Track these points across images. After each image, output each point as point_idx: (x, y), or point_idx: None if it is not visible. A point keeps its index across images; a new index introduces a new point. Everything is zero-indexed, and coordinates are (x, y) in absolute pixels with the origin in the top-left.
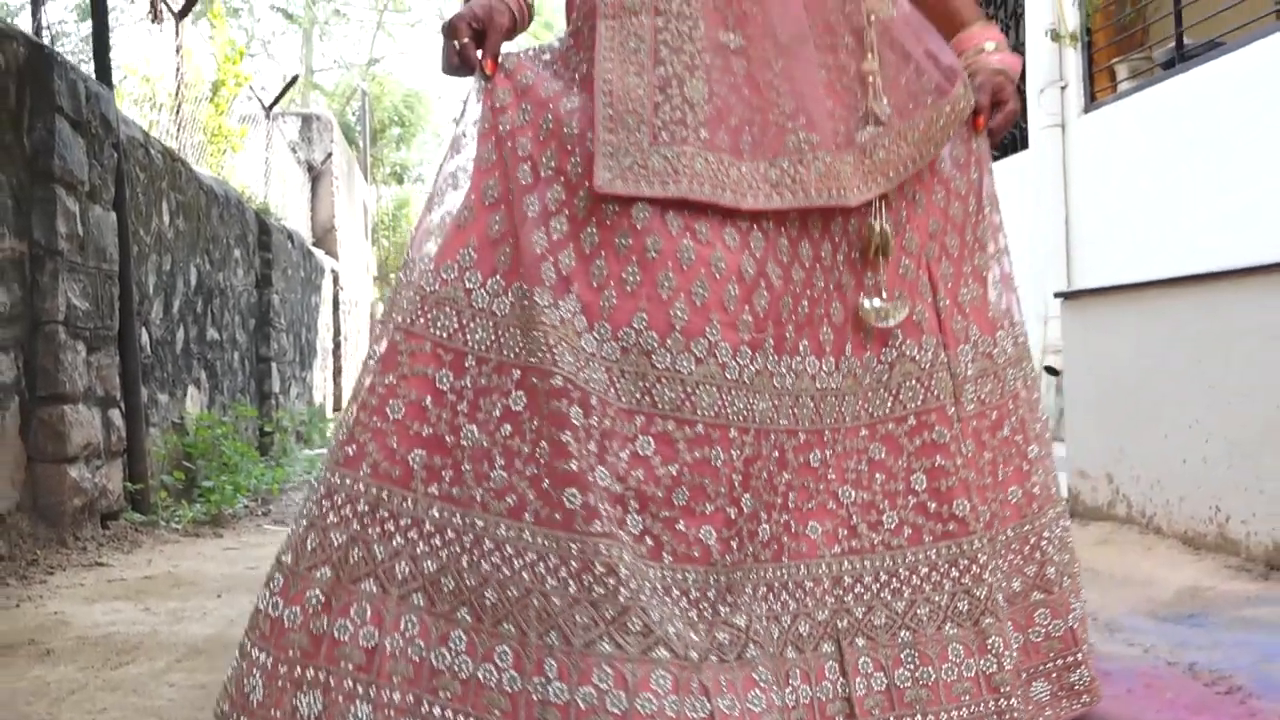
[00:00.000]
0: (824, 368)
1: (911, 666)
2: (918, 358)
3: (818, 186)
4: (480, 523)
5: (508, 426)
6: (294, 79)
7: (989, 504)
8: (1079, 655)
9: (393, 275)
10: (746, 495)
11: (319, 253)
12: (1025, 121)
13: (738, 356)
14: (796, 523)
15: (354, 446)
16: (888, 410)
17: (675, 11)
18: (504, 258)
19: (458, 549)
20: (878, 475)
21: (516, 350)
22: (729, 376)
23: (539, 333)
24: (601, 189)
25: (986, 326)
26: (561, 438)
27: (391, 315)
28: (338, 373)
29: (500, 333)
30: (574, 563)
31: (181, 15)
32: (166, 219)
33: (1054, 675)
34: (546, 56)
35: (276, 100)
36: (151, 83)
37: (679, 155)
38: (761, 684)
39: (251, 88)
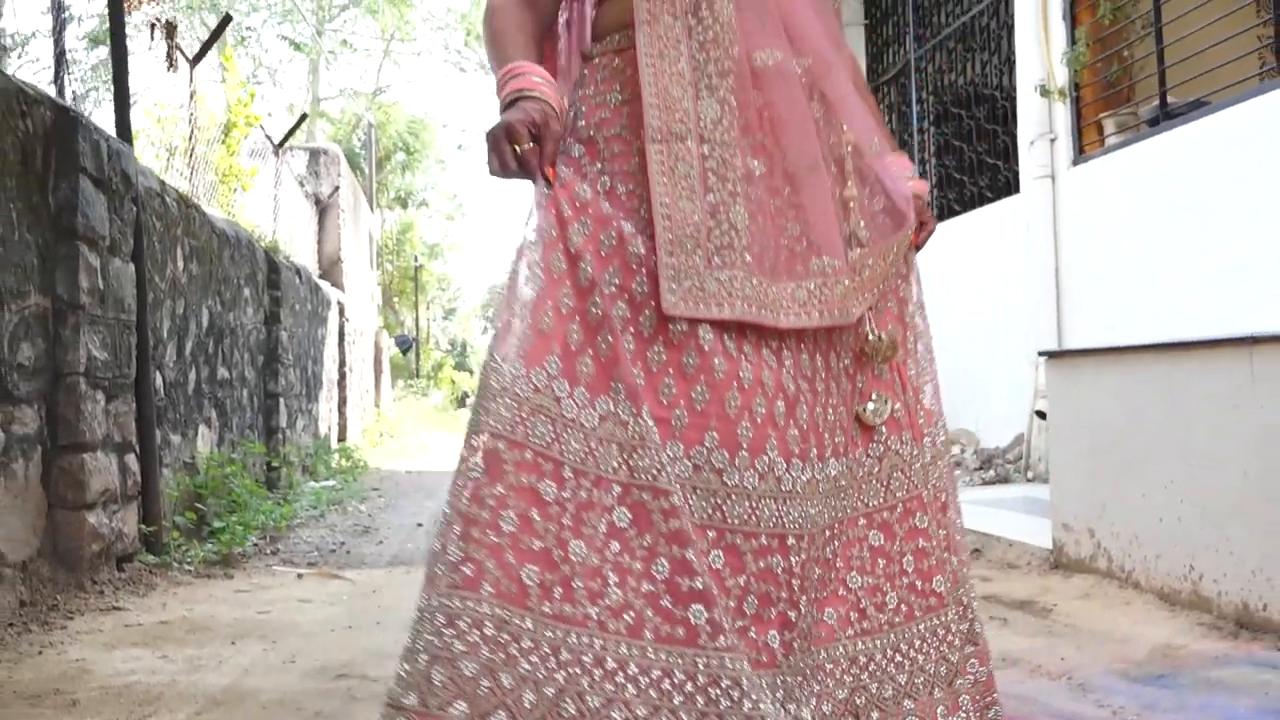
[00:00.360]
0: (839, 468)
1: None
2: (900, 451)
3: (840, 306)
4: (599, 642)
5: (616, 544)
6: (303, 117)
7: (948, 576)
8: (995, 695)
9: (395, 299)
10: (803, 598)
11: (325, 285)
12: (1017, 167)
13: (791, 469)
14: (816, 611)
15: (471, 566)
16: (881, 500)
17: (718, 140)
18: (585, 369)
19: (577, 670)
20: (879, 560)
21: (614, 465)
22: (783, 488)
23: (642, 451)
24: (669, 310)
25: (931, 421)
26: (686, 555)
27: (486, 420)
28: (342, 403)
29: (593, 445)
30: (701, 677)
31: (195, 62)
32: (180, 264)
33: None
34: (564, 164)
35: (286, 138)
36: (165, 124)
37: (731, 278)
38: None
39: (262, 127)
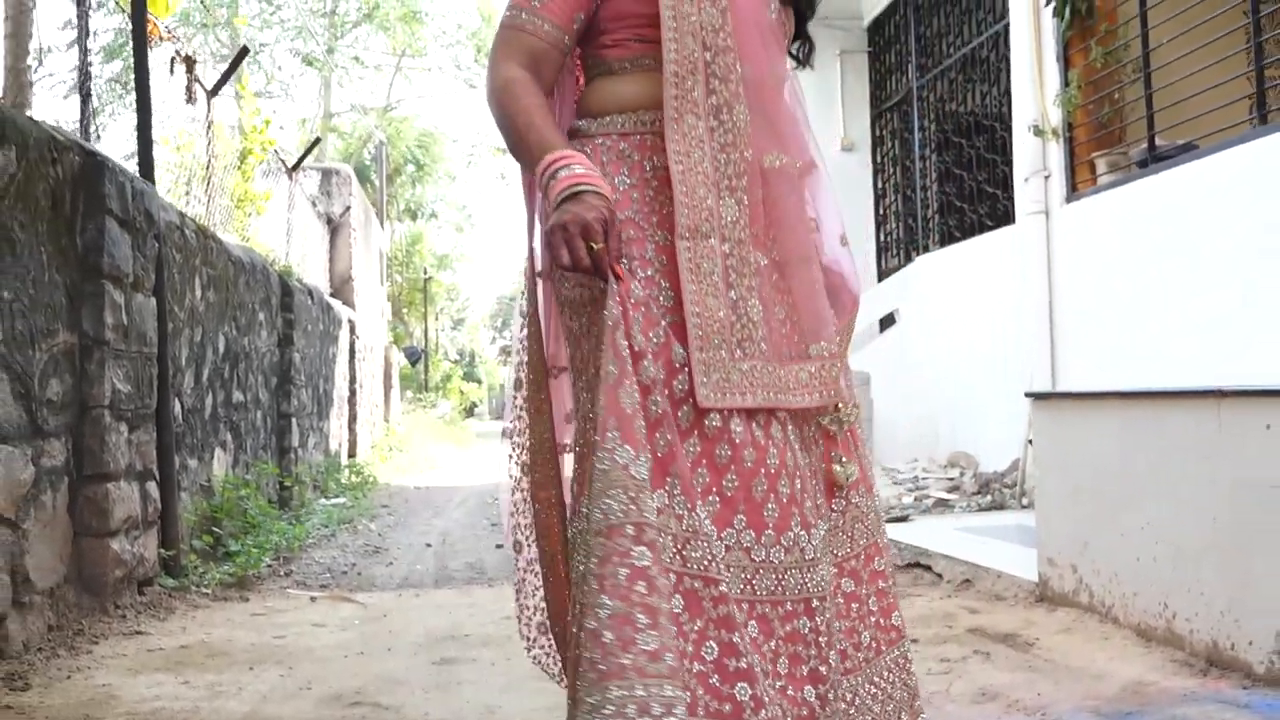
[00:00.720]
0: (825, 526)
1: None
2: (859, 504)
3: (834, 386)
4: None
5: (673, 628)
6: (316, 141)
7: (900, 610)
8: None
9: (404, 310)
10: (830, 652)
11: (337, 304)
12: (1011, 203)
13: (811, 538)
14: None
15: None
16: (848, 550)
17: (736, 238)
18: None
19: None
20: (853, 605)
21: (670, 556)
22: (806, 557)
23: (695, 543)
24: (703, 403)
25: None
26: (733, 639)
27: (612, 513)
28: (353, 419)
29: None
30: None
31: (213, 93)
32: (199, 293)
33: None
34: None
35: (299, 162)
36: (182, 151)
37: (752, 368)
38: None
39: (277, 151)
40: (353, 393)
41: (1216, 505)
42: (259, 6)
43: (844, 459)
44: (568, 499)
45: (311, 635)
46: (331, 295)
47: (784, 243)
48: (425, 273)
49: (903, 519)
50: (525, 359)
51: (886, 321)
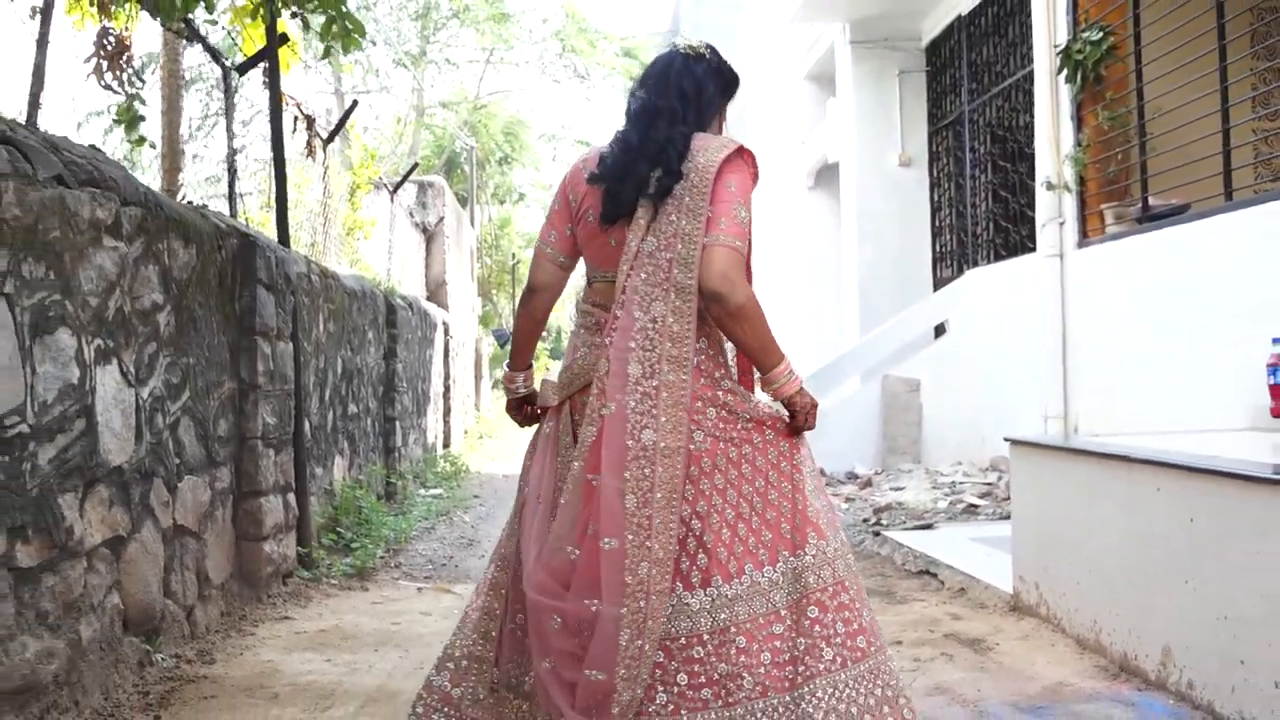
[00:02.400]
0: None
1: None
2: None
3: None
4: None
5: None
6: (413, 167)
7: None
8: None
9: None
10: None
11: (432, 308)
12: (1034, 243)
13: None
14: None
15: None
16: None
17: None
18: None
19: None
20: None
21: None
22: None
23: None
24: None
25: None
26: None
27: None
28: (447, 413)
29: None
30: None
31: (327, 142)
32: (321, 326)
33: None
34: None
35: (398, 186)
36: (302, 189)
37: None
38: None
39: (381, 179)
40: (447, 389)
41: (1131, 548)
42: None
43: None
44: None
45: (420, 623)
46: (427, 299)
47: None
48: (513, 256)
49: (927, 527)
50: None
51: (939, 330)
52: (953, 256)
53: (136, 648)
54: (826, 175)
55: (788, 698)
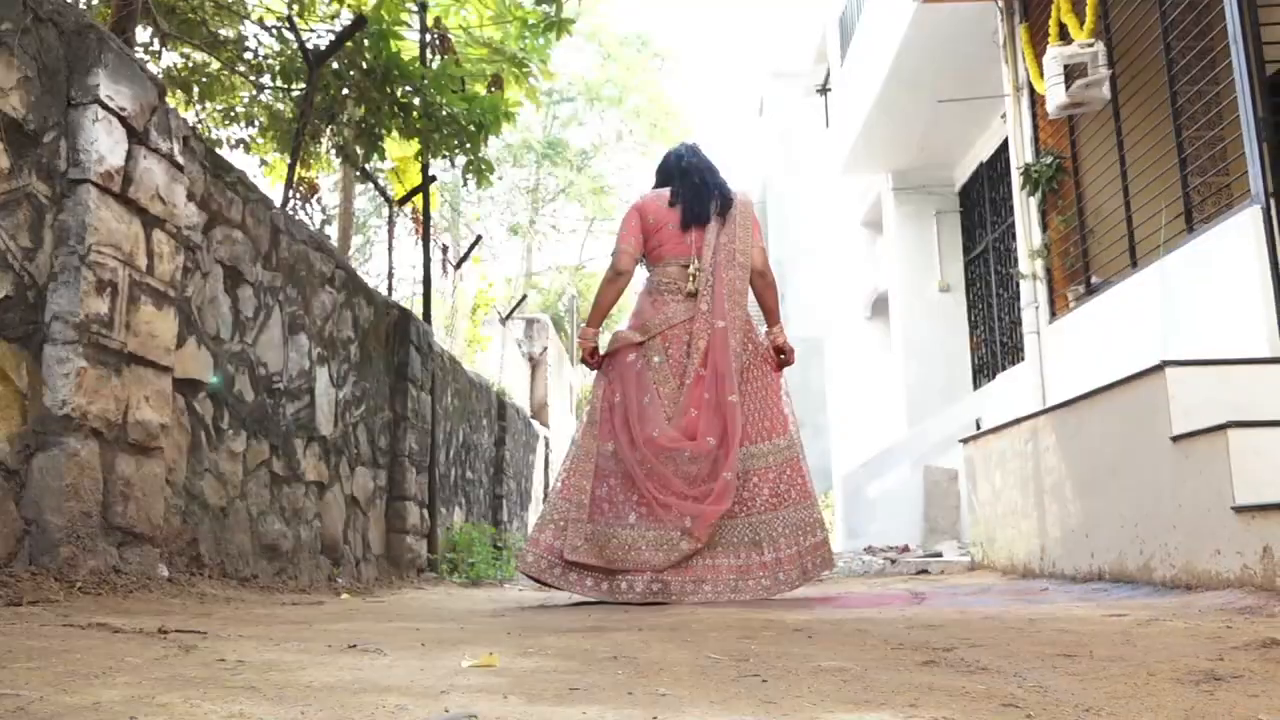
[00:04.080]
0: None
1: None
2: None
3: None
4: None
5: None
6: (523, 298)
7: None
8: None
9: None
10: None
11: (535, 423)
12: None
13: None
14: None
15: None
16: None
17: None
18: None
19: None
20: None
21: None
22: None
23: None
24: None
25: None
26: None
27: None
28: None
29: None
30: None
31: (457, 266)
32: (449, 399)
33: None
34: None
35: (510, 314)
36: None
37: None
38: None
39: (495, 307)
40: (545, 495)
41: (1032, 493)
42: (476, 189)
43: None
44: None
45: (521, 599)
46: (531, 416)
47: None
48: None
49: (937, 555)
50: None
51: (979, 425)
52: (988, 366)
53: (326, 565)
54: (880, 304)
55: (776, 515)
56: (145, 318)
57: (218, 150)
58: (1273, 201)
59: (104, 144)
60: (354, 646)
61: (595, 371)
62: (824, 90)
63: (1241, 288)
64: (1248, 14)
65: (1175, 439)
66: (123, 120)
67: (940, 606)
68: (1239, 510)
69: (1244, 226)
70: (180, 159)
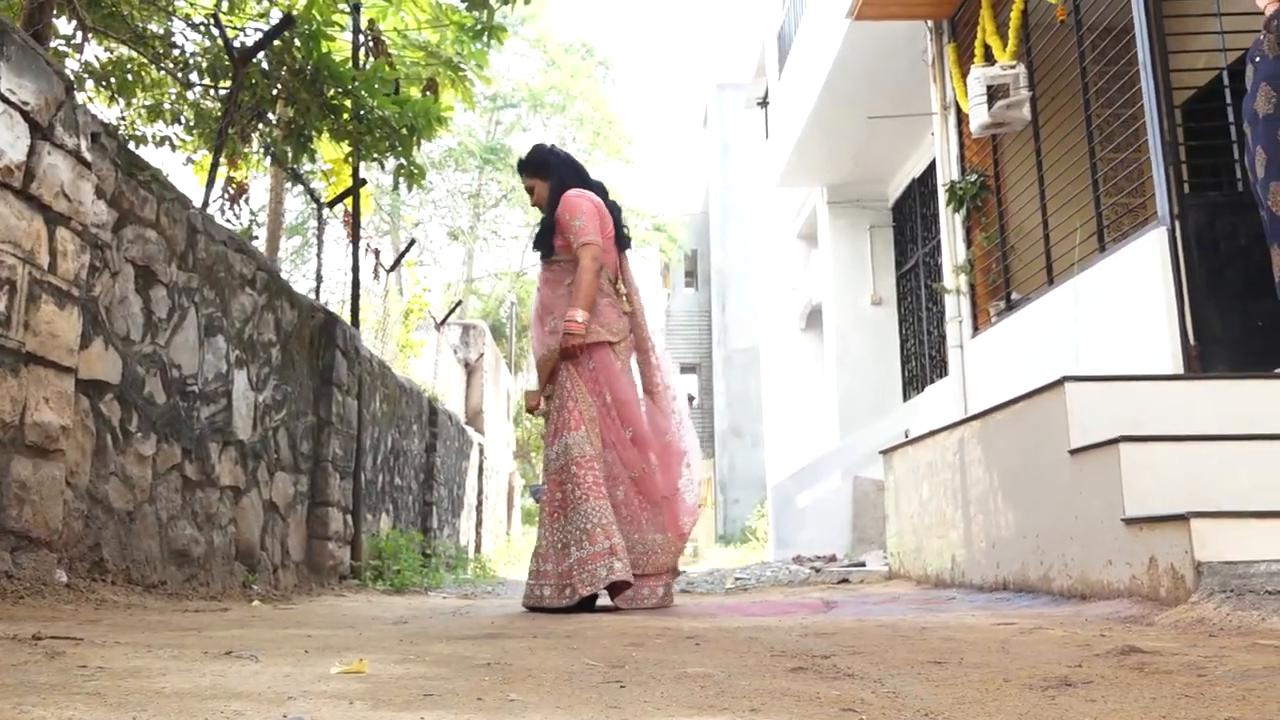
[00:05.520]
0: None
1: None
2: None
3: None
4: None
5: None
6: (458, 303)
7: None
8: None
9: (533, 454)
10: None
11: (470, 429)
12: (943, 352)
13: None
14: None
15: None
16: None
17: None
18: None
19: None
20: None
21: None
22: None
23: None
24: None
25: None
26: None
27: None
28: (479, 524)
29: None
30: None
31: (390, 270)
32: (378, 404)
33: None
34: None
35: (444, 320)
36: (366, 310)
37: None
38: None
39: (430, 313)
40: (479, 502)
41: (944, 504)
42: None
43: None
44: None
45: (443, 605)
46: (466, 423)
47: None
48: None
49: (860, 565)
50: None
51: (907, 436)
52: (918, 379)
53: (241, 571)
54: (815, 316)
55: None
56: (46, 317)
57: (141, 147)
58: (1178, 223)
59: (4, 138)
60: (229, 653)
61: (563, 365)
62: (764, 103)
63: (1148, 306)
64: (1157, 43)
65: (1073, 452)
66: (25, 115)
67: (844, 615)
68: (1128, 522)
69: (1151, 247)
70: (88, 155)
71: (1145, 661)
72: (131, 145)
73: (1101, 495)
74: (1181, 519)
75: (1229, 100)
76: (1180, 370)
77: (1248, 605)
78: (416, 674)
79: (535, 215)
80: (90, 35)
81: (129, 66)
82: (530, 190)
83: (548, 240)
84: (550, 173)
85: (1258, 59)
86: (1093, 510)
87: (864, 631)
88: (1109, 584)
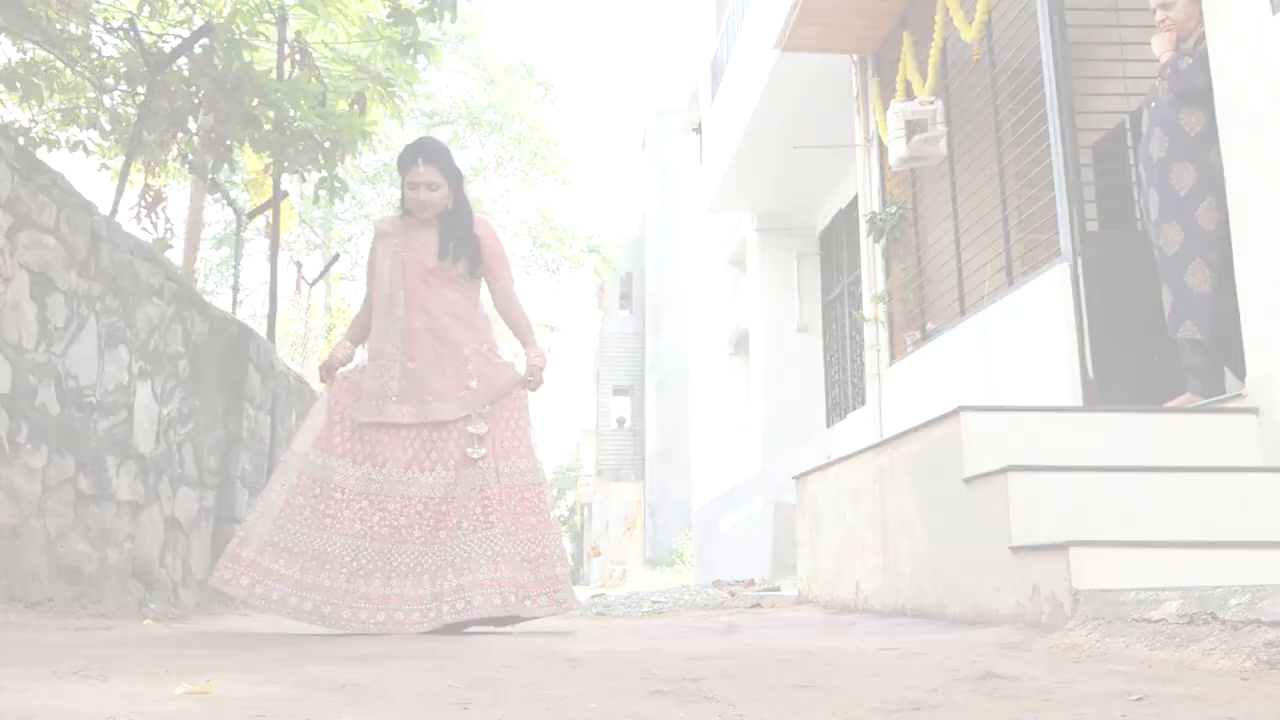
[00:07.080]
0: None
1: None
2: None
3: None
4: None
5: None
6: None
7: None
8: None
9: None
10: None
11: None
12: (864, 379)
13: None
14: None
15: None
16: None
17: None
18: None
19: None
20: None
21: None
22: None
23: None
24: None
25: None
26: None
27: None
28: None
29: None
30: None
31: (312, 284)
32: (294, 419)
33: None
34: None
35: None
36: (288, 324)
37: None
38: None
39: None
40: None
41: (851, 531)
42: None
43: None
44: None
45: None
46: None
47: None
48: None
49: (774, 589)
50: None
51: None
52: (840, 406)
53: (138, 589)
54: (742, 342)
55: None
56: None
57: (54, 151)
58: (1080, 260)
59: None
60: (78, 673)
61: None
62: (698, 129)
63: (1051, 339)
64: (1064, 86)
65: (967, 480)
66: None
67: (740, 639)
68: (1015, 550)
69: (1053, 282)
70: None
71: (999, 687)
72: (44, 150)
73: (991, 524)
74: (1061, 548)
75: (1129, 143)
76: (1080, 402)
77: (1115, 632)
78: (266, 695)
79: None
80: (1, 34)
81: (42, 68)
82: (431, 186)
83: (475, 256)
84: (456, 179)
85: (1153, 104)
86: (984, 538)
87: (748, 656)
88: (997, 611)
